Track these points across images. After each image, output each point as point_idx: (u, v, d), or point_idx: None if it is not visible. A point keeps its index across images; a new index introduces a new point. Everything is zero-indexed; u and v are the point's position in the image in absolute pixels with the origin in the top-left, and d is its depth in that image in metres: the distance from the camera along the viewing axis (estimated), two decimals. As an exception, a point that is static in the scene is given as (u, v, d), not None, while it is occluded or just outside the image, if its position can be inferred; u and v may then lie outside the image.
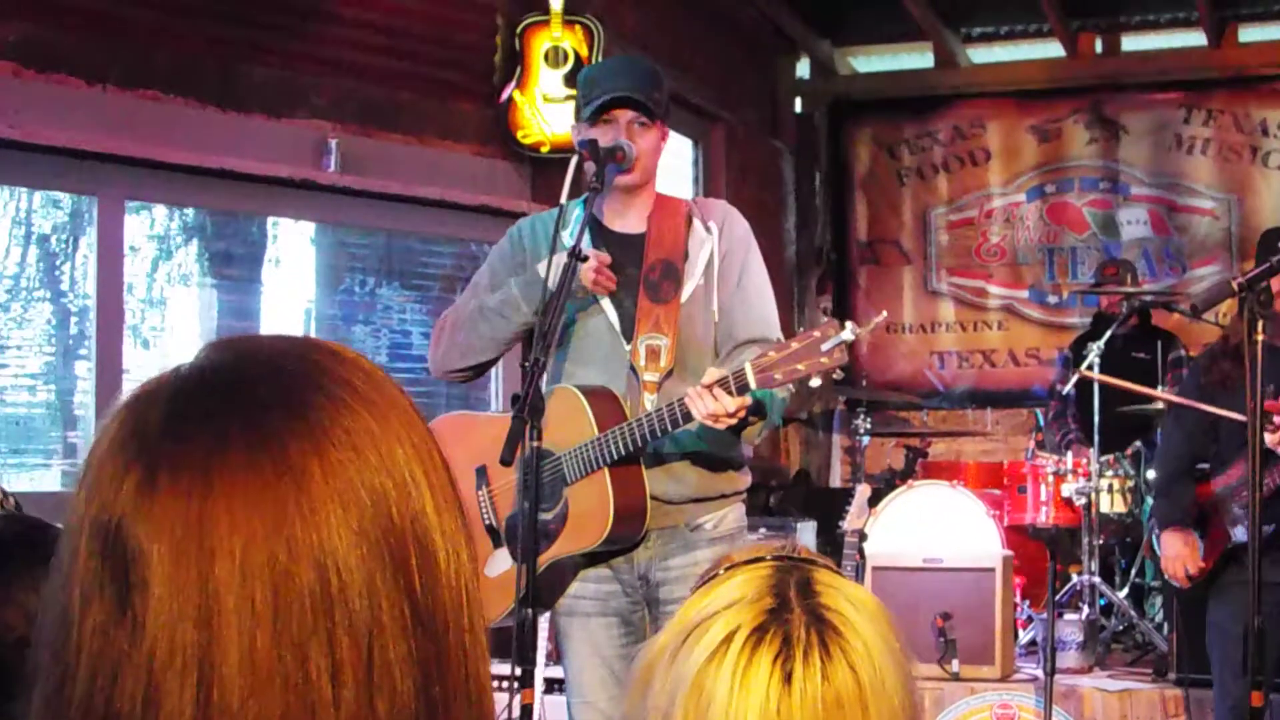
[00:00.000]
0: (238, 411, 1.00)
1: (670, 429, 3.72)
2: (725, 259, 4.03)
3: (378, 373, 1.07)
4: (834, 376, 3.60)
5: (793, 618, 1.40)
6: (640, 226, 4.07)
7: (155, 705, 0.93)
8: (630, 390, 3.91)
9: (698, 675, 1.38)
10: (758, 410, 3.82)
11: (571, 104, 6.96)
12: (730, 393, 3.58)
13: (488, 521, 4.02)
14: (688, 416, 3.65)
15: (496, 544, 4.01)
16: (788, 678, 1.37)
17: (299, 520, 0.97)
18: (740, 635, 1.39)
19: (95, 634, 0.95)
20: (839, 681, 1.37)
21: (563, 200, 3.97)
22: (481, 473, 4.02)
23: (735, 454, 4.05)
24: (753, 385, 3.57)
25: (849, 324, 3.52)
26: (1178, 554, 5.00)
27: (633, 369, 3.91)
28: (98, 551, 0.97)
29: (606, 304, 3.97)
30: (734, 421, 3.65)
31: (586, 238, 3.84)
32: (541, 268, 3.82)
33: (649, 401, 3.87)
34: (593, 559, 3.95)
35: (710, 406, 3.59)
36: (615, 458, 3.77)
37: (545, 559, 3.85)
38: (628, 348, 3.92)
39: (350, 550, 0.97)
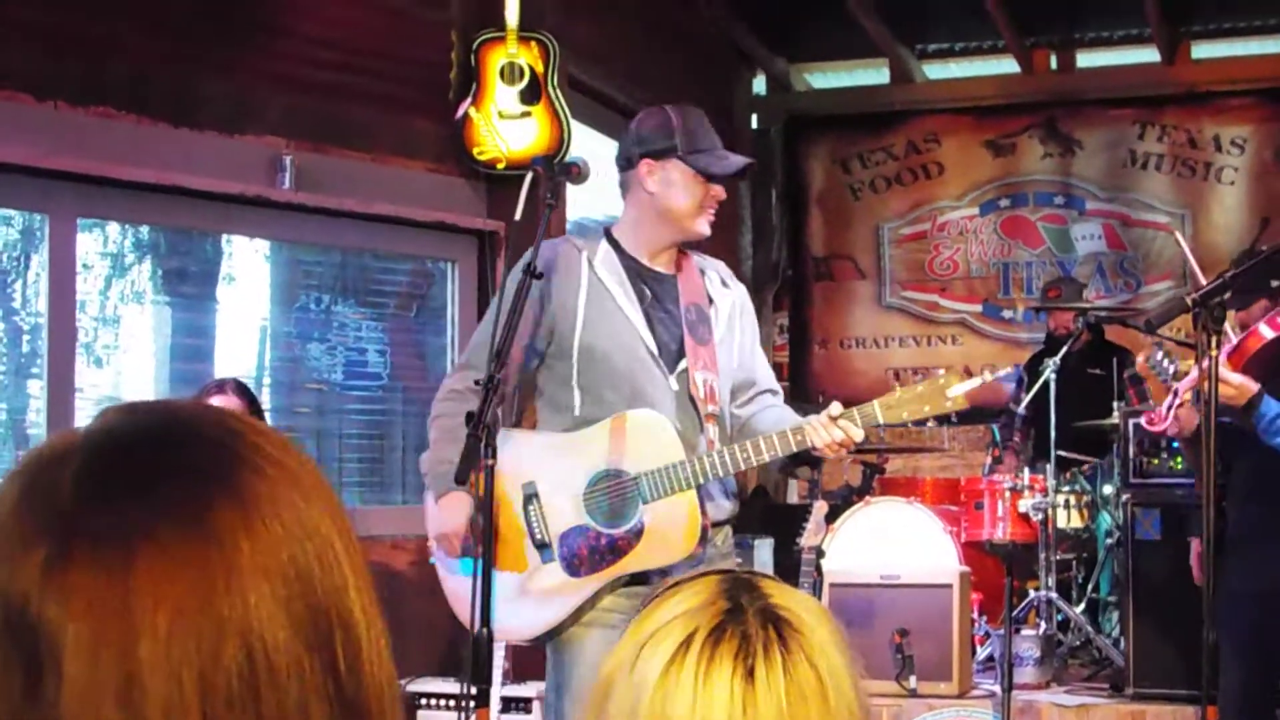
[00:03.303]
0: (162, 478, 0.94)
1: (782, 454, 4.00)
2: (744, 313, 4.39)
3: (292, 445, 1.01)
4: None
5: (748, 618, 1.42)
6: (670, 269, 4.27)
7: None
8: (686, 420, 4.08)
9: (660, 679, 1.39)
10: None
11: (527, 120, 7.00)
12: (857, 425, 3.92)
13: (539, 537, 4.08)
14: (802, 445, 3.96)
15: (546, 558, 4.08)
16: (750, 674, 1.38)
17: (226, 596, 0.91)
18: (699, 637, 1.41)
19: (3, 713, 0.89)
20: (800, 675, 1.39)
21: (515, 217, 3.97)
22: (531, 487, 4.10)
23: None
24: (880, 420, 3.97)
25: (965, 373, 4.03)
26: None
27: (691, 400, 4.10)
28: (2, 627, 0.90)
29: (645, 334, 4.12)
30: (846, 452, 4.03)
31: (570, 257, 4.08)
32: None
33: (712, 433, 4.11)
34: (644, 576, 4.08)
35: (836, 436, 3.92)
36: (704, 480, 4.00)
37: (611, 573, 4.02)
38: (671, 379, 4.10)
39: (278, 629, 0.92)
